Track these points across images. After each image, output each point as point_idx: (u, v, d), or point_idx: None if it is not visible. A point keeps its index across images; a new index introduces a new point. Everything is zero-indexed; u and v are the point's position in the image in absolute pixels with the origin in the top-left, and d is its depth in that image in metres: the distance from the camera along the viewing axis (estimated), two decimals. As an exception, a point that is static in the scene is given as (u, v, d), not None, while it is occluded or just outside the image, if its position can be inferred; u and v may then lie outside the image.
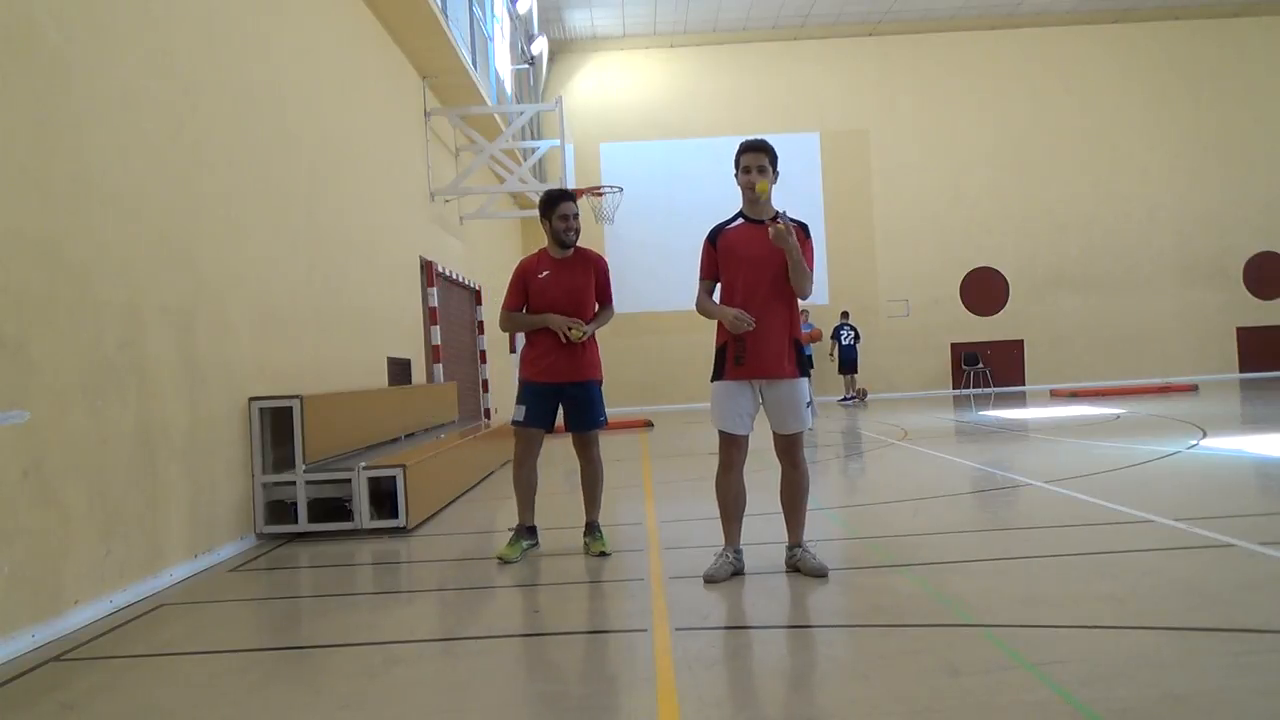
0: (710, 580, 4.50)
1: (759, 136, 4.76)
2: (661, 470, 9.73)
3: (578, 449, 5.55)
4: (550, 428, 5.46)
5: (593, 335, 5.46)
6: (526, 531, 5.47)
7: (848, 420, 15.75)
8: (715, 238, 4.72)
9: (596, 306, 5.55)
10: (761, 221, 4.63)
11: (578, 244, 5.49)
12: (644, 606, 4.18)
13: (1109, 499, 6.21)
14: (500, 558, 5.28)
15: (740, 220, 4.72)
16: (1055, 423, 12.93)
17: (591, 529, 5.47)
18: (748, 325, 4.47)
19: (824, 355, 21.09)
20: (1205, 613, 3.70)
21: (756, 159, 4.61)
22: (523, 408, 5.41)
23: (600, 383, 5.54)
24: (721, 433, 4.67)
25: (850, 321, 20.97)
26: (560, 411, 5.49)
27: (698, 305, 4.74)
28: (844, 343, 20.68)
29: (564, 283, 5.41)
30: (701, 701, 3.01)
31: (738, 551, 4.67)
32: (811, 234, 4.68)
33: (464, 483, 8.54)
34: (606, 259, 5.68)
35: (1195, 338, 22.97)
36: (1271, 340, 22.87)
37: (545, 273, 5.39)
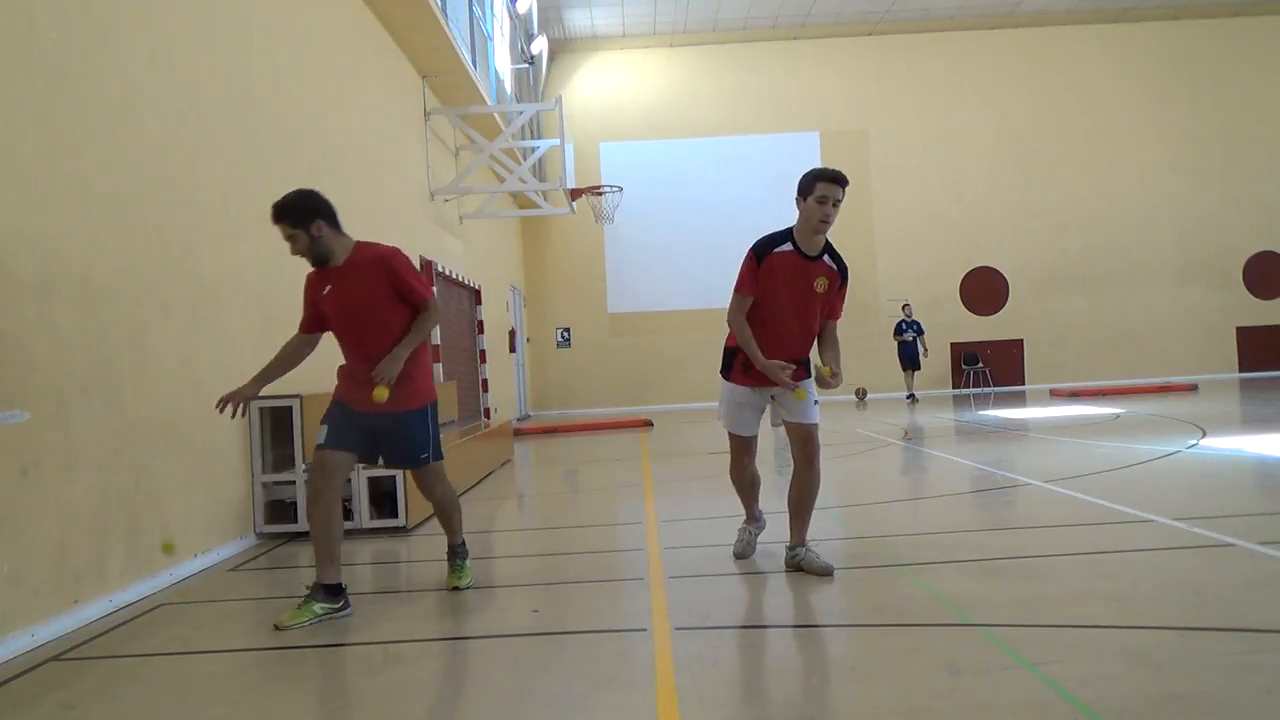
0: (740, 557, 4.90)
1: (837, 169, 4.51)
2: (661, 470, 9.71)
3: (419, 488, 4.66)
4: (359, 454, 4.40)
5: (420, 355, 4.47)
6: (324, 591, 4.18)
7: (843, 421, 15.74)
8: (762, 256, 4.46)
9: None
10: (812, 257, 4.50)
11: (361, 240, 4.50)
12: (644, 606, 4.19)
13: (1109, 498, 6.21)
14: (277, 625, 4.05)
15: (789, 246, 4.48)
16: (1055, 422, 12.92)
17: (453, 554, 4.75)
18: (786, 385, 4.47)
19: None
20: (1205, 613, 3.71)
21: (834, 191, 4.36)
22: (325, 427, 4.34)
23: (424, 411, 4.48)
24: (731, 434, 4.89)
25: (913, 316, 20.10)
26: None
27: (730, 318, 4.59)
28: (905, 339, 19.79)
29: (344, 301, 4.34)
30: (701, 701, 3.01)
31: (757, 518, 5.03)
32: (848, 278, 4.62)
33: (463, 482, 8.52)
34: (398, 246, 4.49)
35: (1195, 337, 22.97)
36: (1271, 340, 22.87)
37: (328, 288, 4.38)
